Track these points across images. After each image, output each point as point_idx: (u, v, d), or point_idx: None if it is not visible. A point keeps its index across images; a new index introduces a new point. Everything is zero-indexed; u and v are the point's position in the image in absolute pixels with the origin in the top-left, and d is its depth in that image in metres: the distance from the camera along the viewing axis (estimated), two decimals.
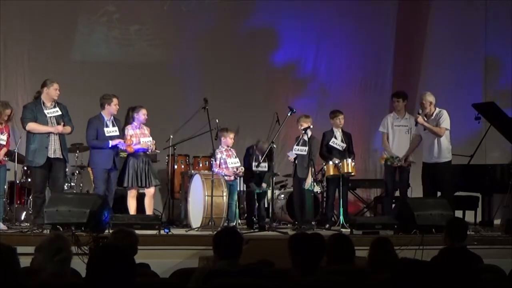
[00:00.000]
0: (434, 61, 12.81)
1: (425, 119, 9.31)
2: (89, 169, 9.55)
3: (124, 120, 9.27)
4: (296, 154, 9.51)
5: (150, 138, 9.15)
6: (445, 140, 9.31)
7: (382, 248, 4.87)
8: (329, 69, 12.61)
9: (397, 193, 9.97)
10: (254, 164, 9.48)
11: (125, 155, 9.24)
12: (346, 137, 9.92)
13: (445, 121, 9.29)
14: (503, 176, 10.21)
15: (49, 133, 8.47)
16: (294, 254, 4.34)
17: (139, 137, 9.10)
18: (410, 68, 12.86)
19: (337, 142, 9.82)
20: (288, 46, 12.38)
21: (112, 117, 8.95)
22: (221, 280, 4.11)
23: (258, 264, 5.11)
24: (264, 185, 9.66)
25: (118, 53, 11.86)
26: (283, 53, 12.38)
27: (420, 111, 9.39)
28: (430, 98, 9.41)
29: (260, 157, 9.45)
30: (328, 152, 9.79)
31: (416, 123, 9.37)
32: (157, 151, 9.52)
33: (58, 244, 3.90)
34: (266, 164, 9.48)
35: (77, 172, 10.18)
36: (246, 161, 9.67)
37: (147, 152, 9.17)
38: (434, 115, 9.37)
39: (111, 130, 8.88)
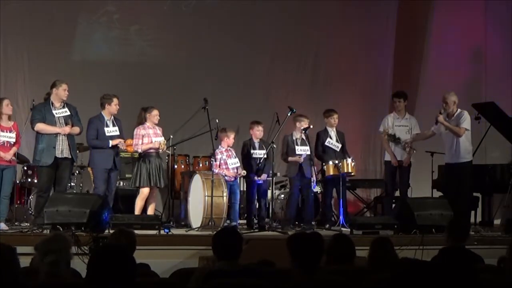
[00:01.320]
0: (434, 61, 12.81)
1: (446, 119, 9.30)
2: (89, 169, 9.55)
3: (136, 120, 9.28)
4: (303, 154, 9.54)
5: (162, 138, 9.19)
6: (465, 141, 9.28)
7: (382, 248, 4.86)
8: (329, 69, 12.61)
9: (397, 193, 9.98)
10: (252, 151, 9.50)
11: (129, 155, 9.26)
12: (341, 136, 9.91)
13: (465, 122, 9.25)
14: (503, 176, 10.21)
15: (57, 133, 8.50)
16: (292, 254, 4.34)
17: (151, 137, 9.12)
18: (410, 68, 12.86)
19: (332, 142, 9.81)
20: (289, 46, 12.38)
21: (112, 117, 8.96)
22: (221, 280, 4.11)
23: (258, 264, 5.11)
24: (264, 175, 9.62)
25: (118, 53, 11.86)
26: (284, 53, 12.38)
27: (442, 110, 9.33)
28: (453, 97, 9.36)
29: (256, 144, 9.46)
30: (322, 152, 9.79)
31: (437, 121, 9.35)
32: (167, 151, 9.52)
33: (51, 246, 3.86)
34: (264, 152, 9.50)
35: (77, 172, 10.18)
36: (245, 150, 9.65)
37: (159, 152, 9.19)
38: (455, 115, 9.34)
39: (111, 130, 8.89)
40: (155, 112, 9.20)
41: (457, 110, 9.35)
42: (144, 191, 9.06)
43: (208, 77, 11.73)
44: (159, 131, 9.25)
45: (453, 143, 9.28)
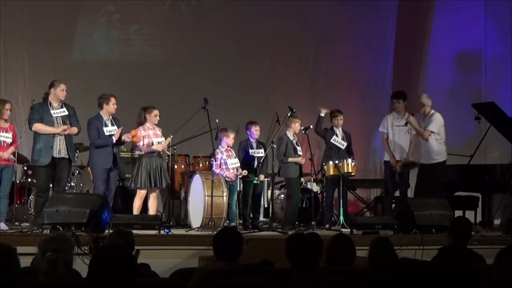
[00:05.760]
0: (434, 61, 12.82)
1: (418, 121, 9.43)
2: (89, 169, 9.55)
3: (136, 120, 9.26)
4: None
5: (163, 139, 9.15)
6: (433, 142, 9.41)
7: (382, 248, 4.87)
8: (329, 69, 12.61)
9: (397, 193, 9.98)
10: (251, 151, 9.51)
11: (129, 155, 9.24)
12: (347, 136, 9.92)
13: (432, 124, 9.39)
14: (503, 176, 10.21)
15: (55, 133, 8.50)
16: (290, 254, 4.32)
17: (152, 137, 9.10)
18: (410, 68, 12.87)
19: (338, 140, 9.83)
20: (289, 46, 12.38)
21: (110, 117, 8.94)
22: (221, 280, 4.10)
23: (258, 264, 5.11)
24: (261, 176, 9.59)
25: (118, 53, 11.86)
26: (283, 53, 12.38)
27: (413, 112, 9.47)
28: (424, 100, 9.51)
29: (254, 144, 9.49)
30: (323, 131, 9.84)
31: (406, 123, 9.43)
32: (167, 152, 9.46)
33: (51, 244, 3.86)
34: (261, 151, 9.50)
35: (77, 172, 10.18)
36: (241, 149, 9.63)
37: (160, 152, 9.19)
38: (427, 117, 9.44)
39: (110, 129, 8.87)
40: (155, 112, 9.17)
41: (430, 112, 9.46)
42: (142, 192, 9.06)
43: (208, 77, 11.73)
44: (158, 131, 9.22)
45: (424, 144, 9.45)
